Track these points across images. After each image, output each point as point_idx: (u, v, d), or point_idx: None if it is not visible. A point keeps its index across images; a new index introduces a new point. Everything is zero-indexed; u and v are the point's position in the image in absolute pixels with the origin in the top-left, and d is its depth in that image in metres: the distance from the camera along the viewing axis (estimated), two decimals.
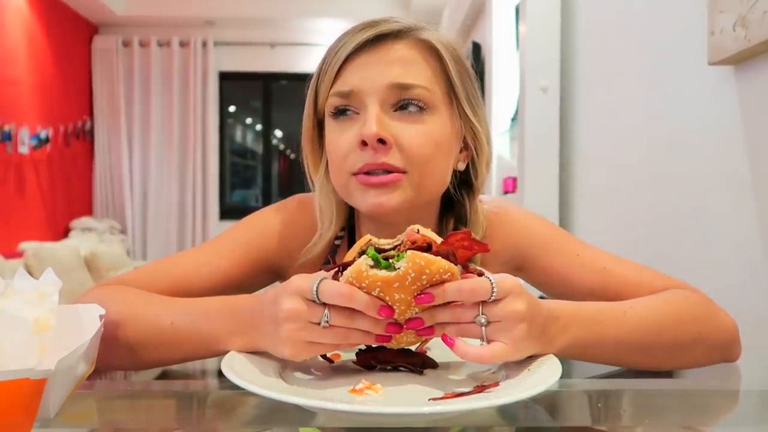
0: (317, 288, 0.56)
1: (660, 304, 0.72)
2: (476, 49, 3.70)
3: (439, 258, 0.55)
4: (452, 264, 0.56)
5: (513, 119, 3.04)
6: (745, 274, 1.29)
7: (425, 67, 0.75)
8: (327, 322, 0.56)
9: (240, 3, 5.85)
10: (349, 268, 0.56)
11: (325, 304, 0.56)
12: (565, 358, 0.65)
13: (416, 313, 0.58)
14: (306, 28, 6.16)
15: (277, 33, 6.20)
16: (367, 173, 0.74)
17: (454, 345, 0.56)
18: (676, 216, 1.60)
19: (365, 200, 0.75)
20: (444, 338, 0.58)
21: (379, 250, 0.57)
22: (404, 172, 0.74)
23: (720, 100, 1.39)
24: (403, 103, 0.74)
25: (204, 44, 6.15)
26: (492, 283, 0.56)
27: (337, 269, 0.58)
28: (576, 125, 2.38)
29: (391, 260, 0.55)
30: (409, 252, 0.55)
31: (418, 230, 0.59)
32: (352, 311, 0.56)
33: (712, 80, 1.41)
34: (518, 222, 0.86)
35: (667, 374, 0.75)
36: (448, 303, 0.57)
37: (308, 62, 6.16)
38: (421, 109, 0.75)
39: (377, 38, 0.74)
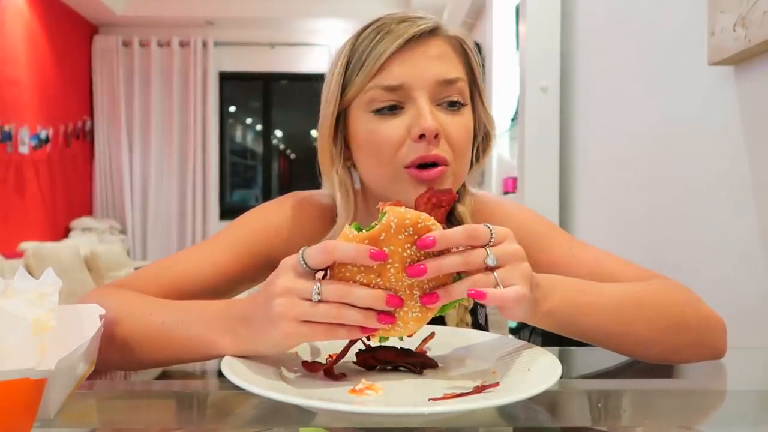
0: (303, 254, 0.55)
1: (648, 286, 0.74)
2: (476, 49, 3.70)
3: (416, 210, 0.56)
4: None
5: (513, 119, 3.04)
6: (744, 274, 1.29)
7: (458, 63, 0.81)
8: (318, 294, 0.54)
9: (240, 3, 5.85)
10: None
11: (319, 280, 0.55)
12: (548, 329, 0.64)
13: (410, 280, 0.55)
14: (306, 28, 6.16)
15: (277, 33, 6.20)
16: (419, 166, 0.77)
17: (486, 295, 0.54)
18: (676, 216, 1.60)
19: (418, 193, 0.76)
20: (471, 293, 0.55)
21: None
22: (447, 164, 0.78)
23: (720, 100, 1.39)
24: (446, 99, 0.78)
25: (204, 44, 6.16)
26: (489, 228, 0.56)
27: None
28: (576, 125, 2.38)
29: (373, 225, 0.55)
30: (387, 207, 0.56)
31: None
32: (347, 284, 0.54)
33: (712, 80, 1.41)
34: (513, 216, 0.88)
35: (667, 374, 0.75)
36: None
37: (308, 62, 6.17)
38: (461, 104, 0.80)
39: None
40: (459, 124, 0.79)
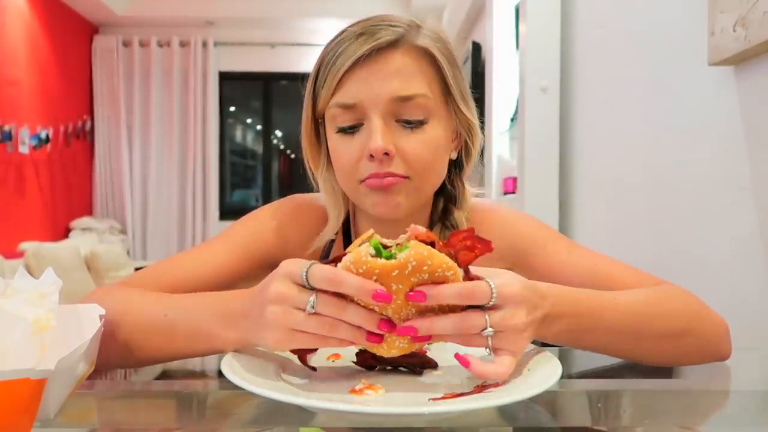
0: (307, 272, 0.54)
1: (651, 295, 0.73)
2: (476, 49, 3.70)
3: (443, 254, 0.54)
4: (455, 264, 0.54)
5: (513, 119, 3.04)
6: (745, 274, 1.29)
7: (423, 75, 0.77)
8: (313, 308, 0.54)
9: (240, 3, 5.85)
10: (348, 254, 0.54)
11: (315, 291, 0.54)
12: (556, 345, 0.65)
13: (413, 313, 0.55)
14: (306, 28, 6.16)
15: (277, 33, 6.20)
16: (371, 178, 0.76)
17: (470, 366, 0.55)
18: (676, 216, 1.60)
19: (373, 205, 0.78)
20: (458, 357, 0.56)
21: (382, 245, 0.55)
22: (406, 177, 0.77)
23: (720, 101, 1.39)
24: (404, 117, 0.76)
25: (204, 44, 6.15)
26: (492, 289, 0.55)
27: (335, 260, 0.56)
28: (576, 125, 2.38)
29: (392, 251, 0.54)
30: (412, 242, 0.53)
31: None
32: (342, 301, 0.54)
33: (712, 80, 1.41)
34: (510, 222, 0.88)
35: (667, 374, 0.75)
36: (445, 310, 0.56)
37: (308, 62, 6.12)
38: (421, 121, 0.77)
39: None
40: (417, 142, 0.76)
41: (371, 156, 0.75)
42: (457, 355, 0.56)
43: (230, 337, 0.61)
